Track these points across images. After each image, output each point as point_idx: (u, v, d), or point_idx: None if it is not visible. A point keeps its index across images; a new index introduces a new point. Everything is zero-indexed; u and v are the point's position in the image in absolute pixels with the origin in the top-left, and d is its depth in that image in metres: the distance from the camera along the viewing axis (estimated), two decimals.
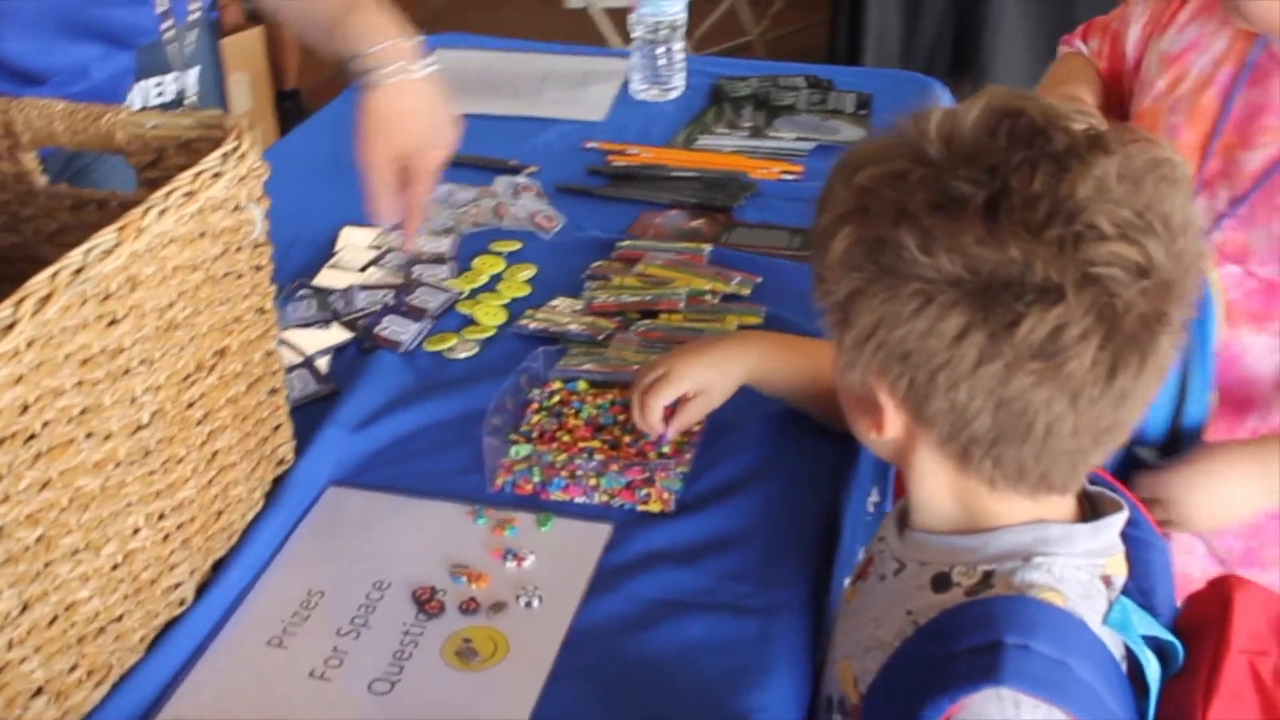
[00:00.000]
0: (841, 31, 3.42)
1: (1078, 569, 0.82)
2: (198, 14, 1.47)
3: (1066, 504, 0.86)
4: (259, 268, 1.00)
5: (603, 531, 1.09)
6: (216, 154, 0.91)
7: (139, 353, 0.85)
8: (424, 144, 1.33)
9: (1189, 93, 1.26)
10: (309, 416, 1.19)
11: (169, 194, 0.85)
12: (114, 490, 0.86)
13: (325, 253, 1.52)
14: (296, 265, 1.48)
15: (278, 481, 1.11)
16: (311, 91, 3.79)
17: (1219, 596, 0.89)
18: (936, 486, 0.85)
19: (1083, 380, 0.75)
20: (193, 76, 1.63)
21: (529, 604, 1.01)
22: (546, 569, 1.05)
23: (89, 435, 0.82)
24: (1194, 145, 1.24)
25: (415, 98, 1.33)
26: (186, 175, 0.87)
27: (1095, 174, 0.73)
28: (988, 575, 0.82)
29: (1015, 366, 0.74)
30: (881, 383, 0.80)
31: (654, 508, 1.12)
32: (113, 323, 0.82)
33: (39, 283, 0.75)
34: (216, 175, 0.90)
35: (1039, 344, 0.73)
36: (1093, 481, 0.88)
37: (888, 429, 0.82)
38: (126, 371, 0.84)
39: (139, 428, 0.87)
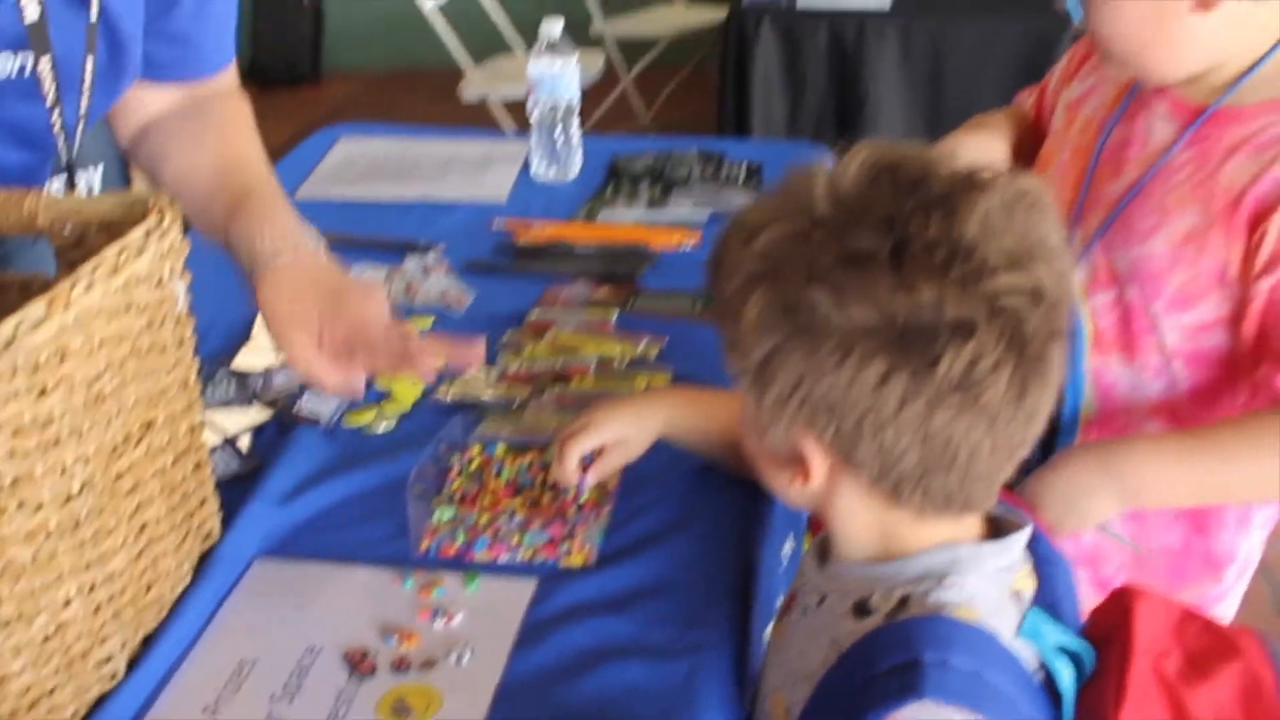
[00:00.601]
0: (729, 111, 3.53)
1: (988, 585, 0.87)
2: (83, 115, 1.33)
3: (975, 526, 0.90)
4: (182, 342, 1.03)
5: (528, 587, 1.12)
6: (139, 230, 0.93)
7: (69, 423, 0.87)
8: (342, 306, 1.18)
9: (1077, 133, 1.35)
10: (233, 493, 1.21)
11: (95, 268, 0.88)
12: (45, 560, 0.87)
13: (243, 334, 1.54)
14: (215, 347, 1.49)
15: (205, 556, 1.12)
16: None
17: (1120, 606, 0.94)
18: (860, 522, 0.89)
19: (999, 406, 0.80)
20: (97, 175, 1.64)
21: (459, 659, 1.03)
22: (475, 625, 1.07)
23: (20, 505, 0.83)
24: (1074, 178, 1.32)
25: (315, 269, 1.21)
26: (111, 250, 0.90)
27: (978, 212, 0.79)
28: (904, 599, 0.86)
29: (937, 402, 0.79)
30: (807, 435, 0.84)
31: (576, 561, 1.15)
32: (43, 393, 0.84)
33: None
34: (140, 251, 0.92)
35: (958, 378, 0.78)
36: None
37: (814, 478, 0.86)
38: (57, 442, 0.86)
39: (69, 498, 0.88)
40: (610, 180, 2.03)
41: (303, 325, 1.16)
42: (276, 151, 2.05)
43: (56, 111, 1.21)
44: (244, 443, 1.32)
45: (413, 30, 4.31)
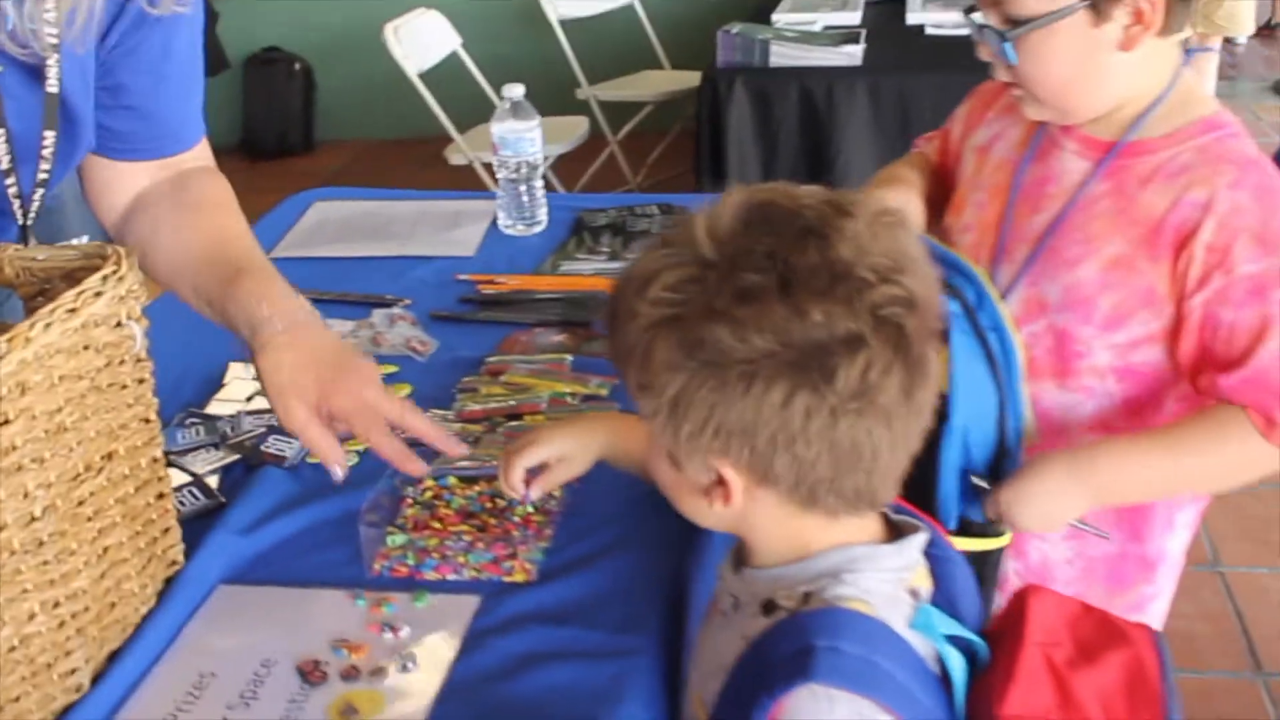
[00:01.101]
0: (706, 168, 3.63)
1: (883, 582, 0.93)
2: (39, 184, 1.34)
3: (875, 528, 0.97)
4: (142, 380, 1.11)
5: (472, 602, 1.19)
6: (97, 276, 1.02)
7: (30, 451, 0.96)
8: (340, 381, 1.22)
9: (990, 174, 1.43)
10: (200, 527, 1.29)
11: (54, 310, 0.97)
12: (10, 577, 0.95)
13: (214, 387, 1.63)
14: (186, 398, 1.58)
15: (169, 582, 1.20)
16: None
17: (1017, 605, 1.02)
18: (776, 532, 0.94)
19: (893, 405, 0.87)
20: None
21: (405, 667, 1.11)
22: (421, 637, 1.15)
23: None
24: (993, 218, 1.40)
25: (315, 343, 1.26)
26: (70, 294, 0.99)
27: (849, 235, 0.86)
28: (806, 595, 0.92)
29: (840, 411, 0.85)
30: (724, 460, 0.89)
31: (518, 578, 1.23)
32: (5, 423, 0.92)
33: None
34: (98, 294, 1.01)
35: (855, 386, 0.84)
36: (897, 511, 0.99)
37: (733, 498, 0.91)
38: (19, 468, 0.95)
39: (32, 519, 0.97)
40: (574, 233, 2.13)
41: (300, 396, 1.21)
42: None
43: (11, 179, 1.25)
44: (211, 481, 1.40)
45: (401, 100, 4.43)
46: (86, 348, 1.02)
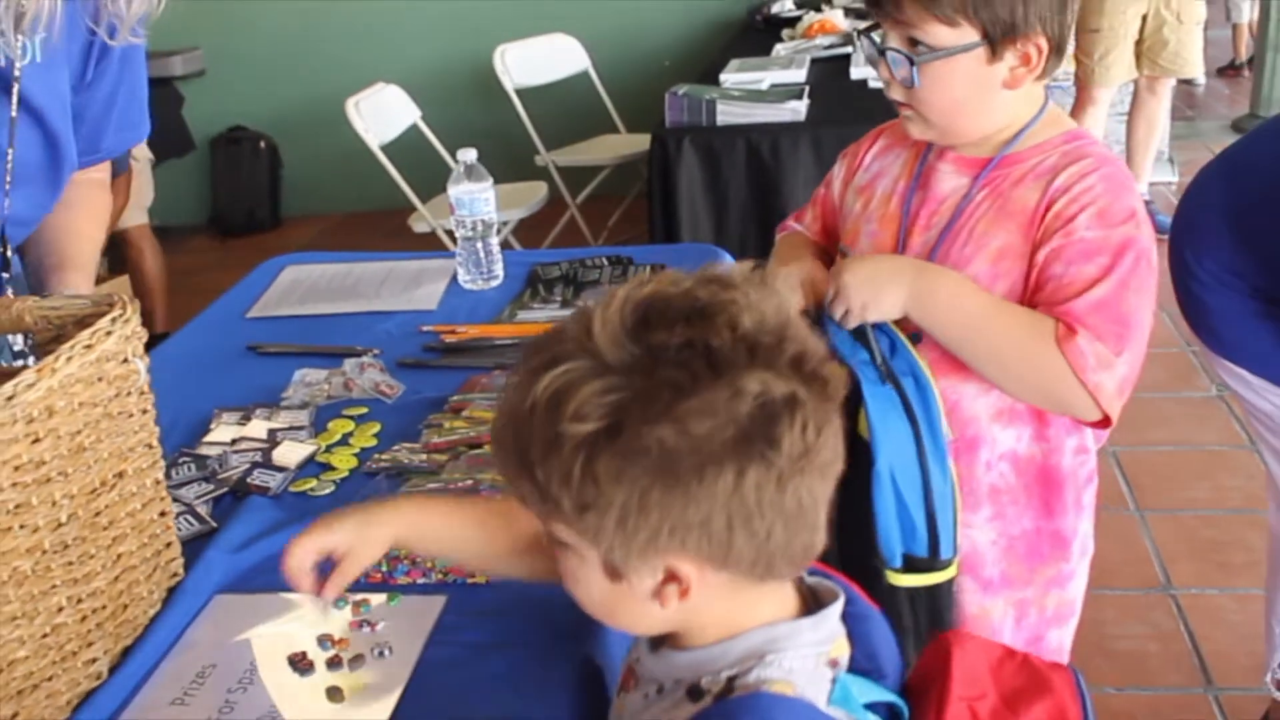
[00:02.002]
0: (659, 226, 3.81)
1: (804, 659, 0.92)
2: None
3: (792, 601, 0.97)
4: (145, 411, 1.28)
5: (440, 600, 1.36)
6: (107, 318, 1.20)
7: (56, 466, 1.12)
8: None
9: (878, 206, 1.59)
10: (195, 548, 1.45)
11: (73, 346, 1.14)
12: (42, 572, 1.11)
13: (202, 430, 1.79)
14: (178, 440, 1.74)
15: (171, 591, 1.36)
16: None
17: (940, 653, 1.02)
18: (715, 616, 0.93)
19: (828, 457, 0.87)
20: None
21: (381, 654, 1.27)
22: (395, 630, 1.31)
23: (22, 526, 1.08)
24: (890, 244, 1.55)
25: None
26: (86, 333, 1.16)
27: (744, 306, 0.85)
28: (731, 679, 0.91)
29: (786, 477, 0.84)
30: (682, 556, 0.86)
31: (480, 579, 1.39)
32: (36, 440, 1.09)
33: None
34: (109, 333, 1.19)
35: (798, 448, 0.84)
36: (810, 573, 0.99)
37: (693, 593, 0.88)
38: (48, 480, 1.11)
39: (59, 525, 1.13)
40: (529, 285, 2.31)
41: None
42: None
43: None
44: (203, 510, 1.56)
45: (364, 173, 4.63)
46: (100, 379, 1.19)
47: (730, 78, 4.25)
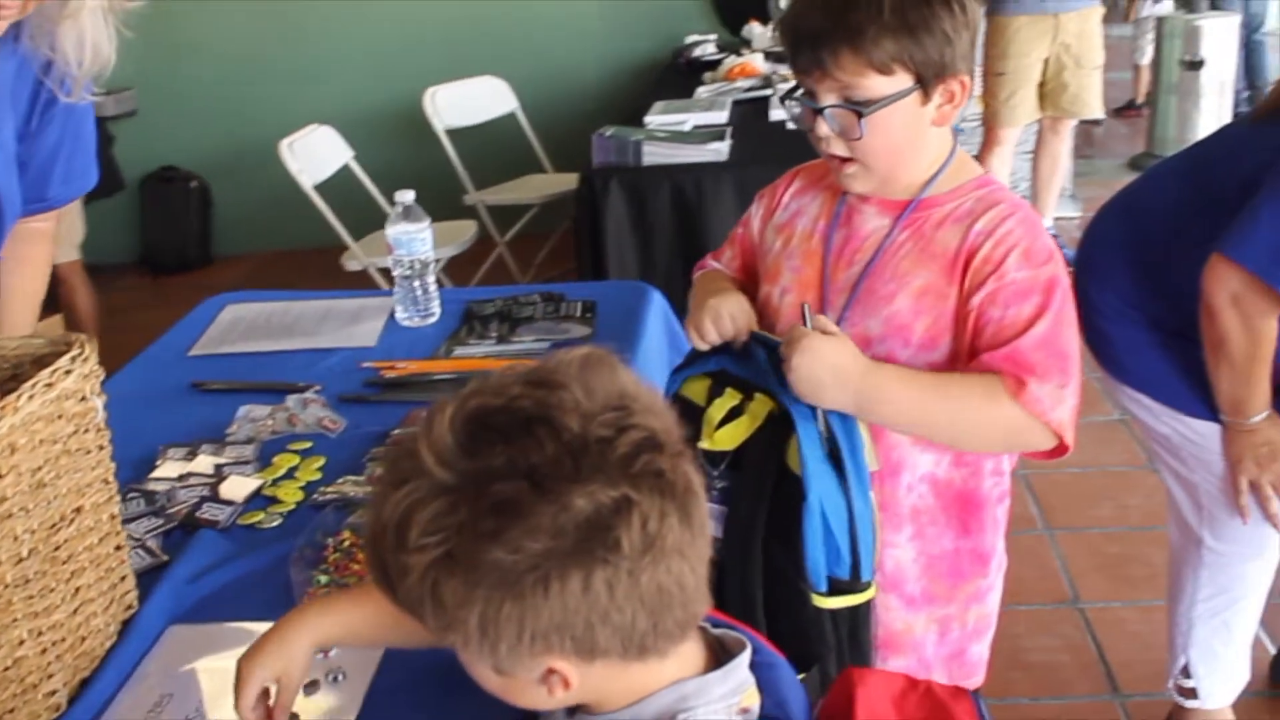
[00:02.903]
0: (587, 264, 3.87)
1: (716, 712, 0.95)
2: None
3: (697, 657, 0.98)
4: (102, 447, 1.32)
5: None
6: (66, 357, 1.24)
7: (18, 501, 1.16)
8: None
9: (799, 243, 1.63)
10: (148, 581, 1.48)
11: (35, 385, 1.18)
12: (4, 606, 1.15)
13: (148, 467, 1.82)
14: (126, 476, 1.76)
15: (126, 623, 1.39)
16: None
17: (844, 692, 1.05)
18: (615, 688, 0.94)
19: (679, 540, 0.87)
20: None
21: (336, 679, 1.31)
22: (348, 656, 1.35)
23: None
24: (814, 278, 1.60)
25: None
26: (46, 371, 1.20)
27: (569, 407, 0.85)
28: None
29: (637, 570, 0.84)
30: (551, 656, 0.87)
31: None
32: (0, 477, 1.13)
33: None
34: (68, 372, 1.23)
35: (639, 544, 0.84)
36: (715, 624, 1.02)
37: (572, 682, 0.90)
38: (10, 515, 1.15)
39: (20, 559, 1.17)
40: (465, 322, 2.36)
41: None
42: None
43: None
44: (154, 544, 1.59)
45: (296, 212, 4.64)
46: (59, 417, 1.23)
47: (654, 119, 4.33)
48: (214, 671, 1.34)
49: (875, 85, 1.45)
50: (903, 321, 1.52)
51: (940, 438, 1.53)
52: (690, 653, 0.97)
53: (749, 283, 1.75)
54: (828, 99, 1.48)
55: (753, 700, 0.98)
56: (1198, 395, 1.97)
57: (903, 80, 1.46)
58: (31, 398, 1.16)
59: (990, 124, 5.00)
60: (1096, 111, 5.04)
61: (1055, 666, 2.73)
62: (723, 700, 0.95)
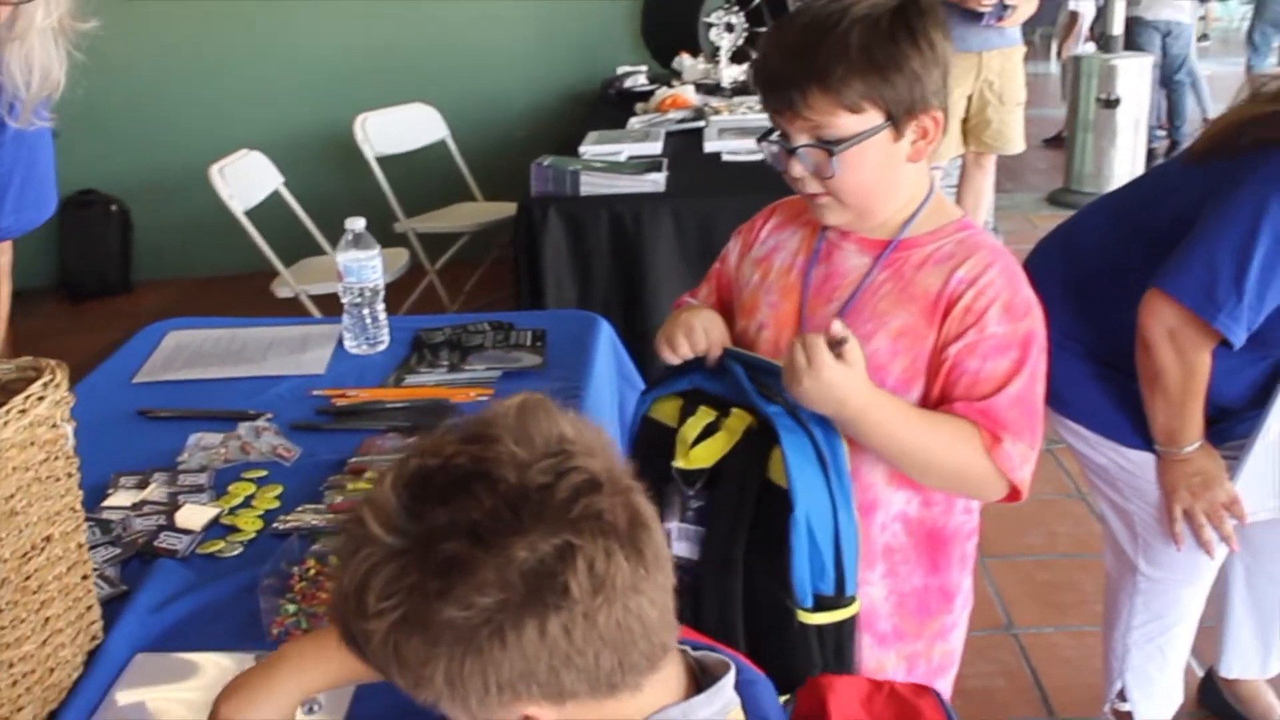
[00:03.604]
0: (525, 292, 3.86)
1: None
2: None
3: (678, 682, 0.99)
4: (70, 475, 1.29)
5: None
6: (39, 384, 1.21)
7: None
8: None
9: (777, 278, 1.64)
10: (110, 611, 1.45)
11: (9, 411, 1.15)
12: None
13: (100, 494, 1.79)
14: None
15: (92, 654, 1.37)
16: None
17: (815, 699, 1.10)
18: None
19: (631, 576, 0.88)
20: None
21: (311, 709, 1.30)
22: None
23: None
24: (791, 314, 1.61)
25: None
26: (19, 398, 1.18)
27: (505, 459, 0.87)
28: None
29: (592, 611, 0.86)
30: (521, 704, 0.89)
31: None
32: None
33: None
34: (41, 398, 1.20)
35: (588, 586, 0.85)
36: (695, 647, 1.03)
37: None
38: None
39: None
40: (414, 351, 2.35)
41: None
42: (94, 359, 2.33)
43: None
44: (112, 574, 1.56)
45: (222, 238, 4.59)
46: (32, 444, 1.20)
47: (589, 149, 4.35)
48: (185, 701, 1.32)
49: (846, 124, 1.47)
50: (880, 361, 1.52)
51: (910, 470, 1.54)
52: (671, 678, 0.98)
53: (726, 317, 1.76)
54: (800, 139, 1.50)
55: (738, 719, 0.99)
56: (1133, 426, 2.02)
57: (873, 117, 1.47)
58: (5, 424, 1.14)
59: None
60: (1018, 147, 5.17)
61: (992, 692, 2.78)
62: None
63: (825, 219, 1.58)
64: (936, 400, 1.51)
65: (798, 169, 1.52)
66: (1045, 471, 3.70)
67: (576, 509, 0.86)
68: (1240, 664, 2.46)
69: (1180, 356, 1.89)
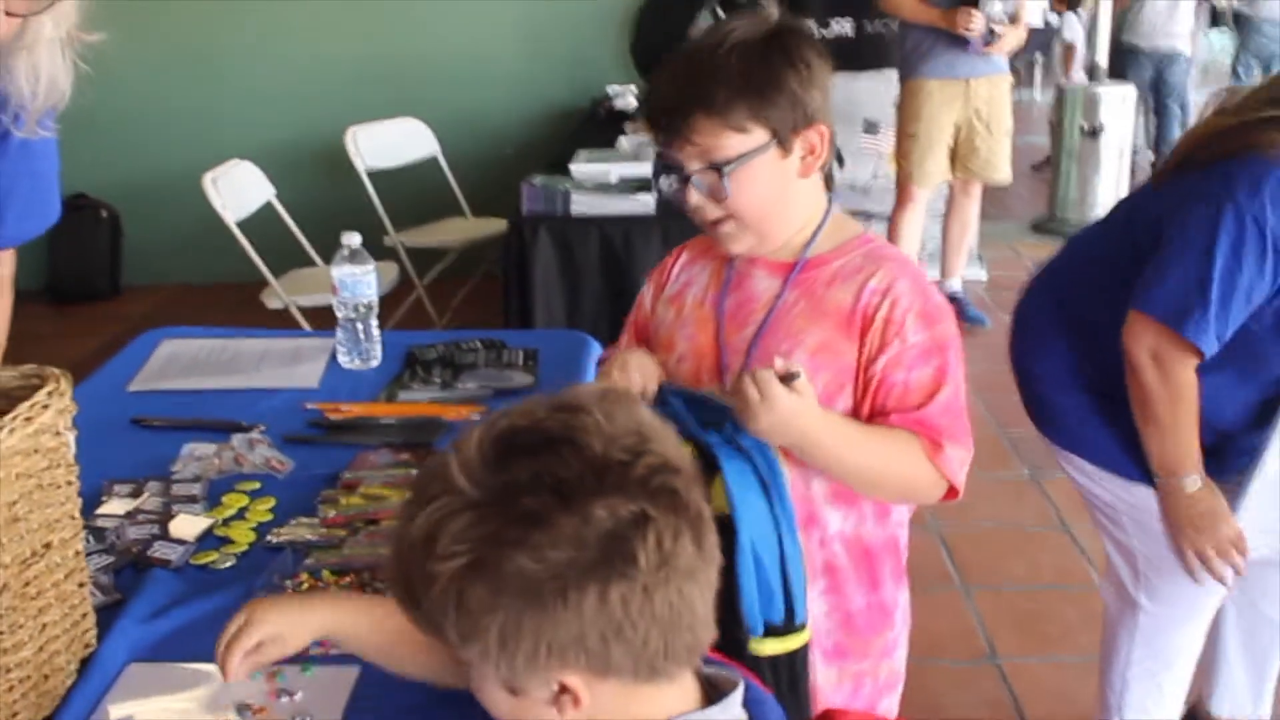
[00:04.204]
0: (513, 310, 3.88)
1: None
2: None
3: (693, 693, 1.02)
4: (70, 483, 1.30)
5: (353, 671, 1.40)
6: (43, 392, 1.22)
7: None
8: None
9: (691, 311, 1.66)
10: (104, 618, 1.46)
11: (15, 419, 1.16)
12: None
13: (94, 503, 1.79)
14: None
15: (85, 662, 1.37)
16: None
17: None
18: (611, 715, 0.96)
19: (692, 562, 0.92)
20: None
21: None
22: (314, 698, 1.35)
23: None
24: (709, 343, 1.63)
25: None
26: (25, 406, 1.19)
27: (592, 430, 0.91)
28: None
29: (652, 587, 0.89)
30: (565, 672, 0.91)
31: None
32: None
33: None
34: (45, 407, 1.21)
35: (656, 560, 0.88)
36: (707, 663, 1.03)
37: (583, 701, 0.92)
38: None
39: None
40: (407, 367, 2.36)
41: None
42: (83, 364, 2.33)
43: None
44: (105, 582, 1.57)
45: (211, 246, 4.60)
46: (35, 451, 1.21)
47: (579, 168, 4.35)
48: (177, 711, 1.32)
49: (733, 144, 1.51)
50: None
51: (861, 487, 1.58)
52: (686, 689, 1.01)
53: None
54: (693, 165, 1.53)
55: None
56: (1135, 460, 2.04)
57: (760, 136, 1.51)
58: (12, 431, 1.15)
59: (903, 183, 5.14)
60: (1005, 176, 5.21)
61: None
62: None
63: (729, 247, 1.60)
64: (869, 414, 1.55)
65: (695, 197, 1.55)
66: (1031, 502, 3.75)
67: (655, 482, 0.90)
68: (1231, 703, 2.47)
69: (1165, 377, 1.92)
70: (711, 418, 1.50)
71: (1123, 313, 1.96)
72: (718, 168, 1.51)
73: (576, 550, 0.87)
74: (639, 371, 1.59)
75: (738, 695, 1.03)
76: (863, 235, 1.62)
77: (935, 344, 1.54)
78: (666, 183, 1.58)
